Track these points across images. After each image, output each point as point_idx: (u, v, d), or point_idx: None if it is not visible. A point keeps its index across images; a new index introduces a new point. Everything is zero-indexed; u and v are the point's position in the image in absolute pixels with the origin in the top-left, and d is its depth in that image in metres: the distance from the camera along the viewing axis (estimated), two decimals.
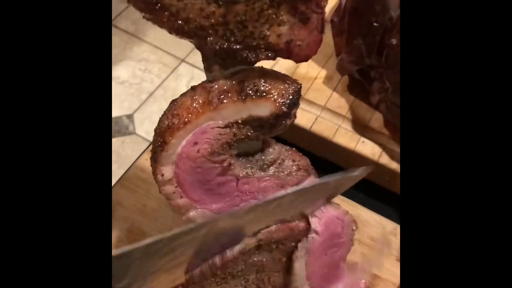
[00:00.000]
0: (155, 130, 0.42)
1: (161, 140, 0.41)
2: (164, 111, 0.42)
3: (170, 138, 0.40)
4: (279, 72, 0.41)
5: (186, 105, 0.40)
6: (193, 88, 0.41)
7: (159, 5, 0.35)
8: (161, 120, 0.42)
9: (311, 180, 0.48)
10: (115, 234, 0.62)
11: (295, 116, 0.42)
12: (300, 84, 0.41)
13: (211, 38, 0.36)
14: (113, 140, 1.61)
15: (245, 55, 0.37)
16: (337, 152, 0.71)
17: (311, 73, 0.78)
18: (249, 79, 0.40)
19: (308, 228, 0.50)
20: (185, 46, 1.83)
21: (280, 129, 0.43)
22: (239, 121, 0.41)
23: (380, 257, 0.63)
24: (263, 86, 0.40)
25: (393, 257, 0.63)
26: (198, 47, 0.38)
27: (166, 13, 0.35)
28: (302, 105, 0.70)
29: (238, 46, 0.37)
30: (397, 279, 0.61)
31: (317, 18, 0.37)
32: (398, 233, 0.65)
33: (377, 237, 0.64)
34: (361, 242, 0.64)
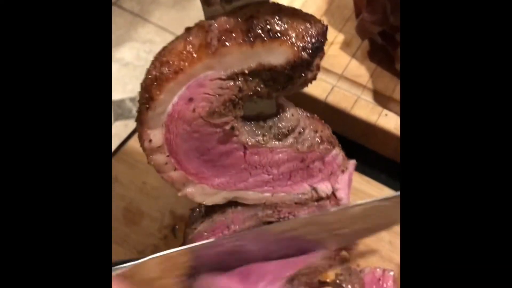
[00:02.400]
0: (141, 84, 0.36)
1: (147, 95, 0.35)
2: (152, 60, 0.35)
3: (158, 93, 0.34)
4: (298, 9, 0.35)
5: (177, 50, 0.34)
6: (187, 29, 0.35)
7: None
8: (148, 71, 0.36)
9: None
10: None
11: (318, 69, 0.36)
12: (326, 25, 0.34)
13: None
14: (116, 124, 1.58)
15: None
16: (355, 126, 0.66)
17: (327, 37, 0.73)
18: (259, 15, 0.33)
19: None
20: None
21: (298, 85, 0.37)
22: (246, 71, 0.35)
23: None
24: (277, 25, 0.33)
25: None
26: None
27: None
28: None
29: None
30: None
31: None
32: None
33: None
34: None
